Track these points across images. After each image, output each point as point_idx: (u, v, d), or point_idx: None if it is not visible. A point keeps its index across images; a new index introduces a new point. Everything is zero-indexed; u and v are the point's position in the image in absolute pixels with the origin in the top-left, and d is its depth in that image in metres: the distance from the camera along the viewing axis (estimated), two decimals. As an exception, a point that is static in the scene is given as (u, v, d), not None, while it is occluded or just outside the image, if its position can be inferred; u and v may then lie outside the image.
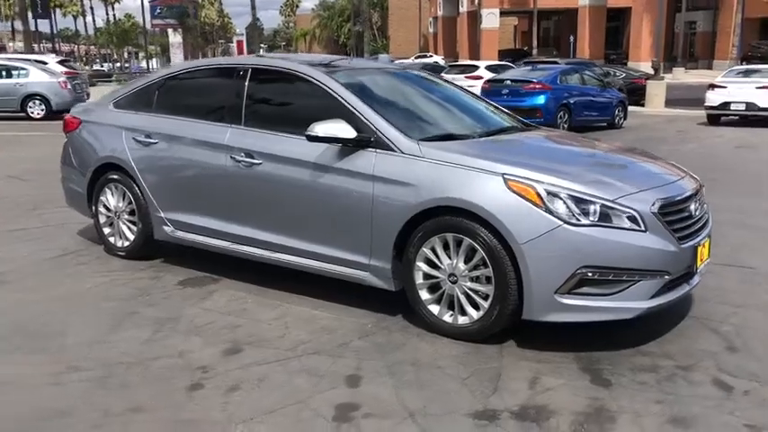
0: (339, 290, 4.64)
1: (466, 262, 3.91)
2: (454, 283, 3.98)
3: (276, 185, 4.62)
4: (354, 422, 3.11)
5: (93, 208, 5.81)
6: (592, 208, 3.68)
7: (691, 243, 3.93)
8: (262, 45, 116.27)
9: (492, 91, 15.50)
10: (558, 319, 3.74)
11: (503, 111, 5.51)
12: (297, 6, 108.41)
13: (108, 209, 5.71)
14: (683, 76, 38.35)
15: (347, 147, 4.30)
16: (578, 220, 3.65)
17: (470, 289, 3.93)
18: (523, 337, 3.98)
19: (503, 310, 3.81)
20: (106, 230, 5.78)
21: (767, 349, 3.89)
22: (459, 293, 3.97)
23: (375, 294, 4.42)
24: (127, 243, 5.65)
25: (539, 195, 3.70)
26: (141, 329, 4.19)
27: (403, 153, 4.14)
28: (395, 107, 4.74)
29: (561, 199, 3.69)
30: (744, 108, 17.15)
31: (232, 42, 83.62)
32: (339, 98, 4.48)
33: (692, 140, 14.56)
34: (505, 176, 3.80)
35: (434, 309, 4.08)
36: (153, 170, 5.32)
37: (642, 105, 22.31)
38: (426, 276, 4.09)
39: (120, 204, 5.62)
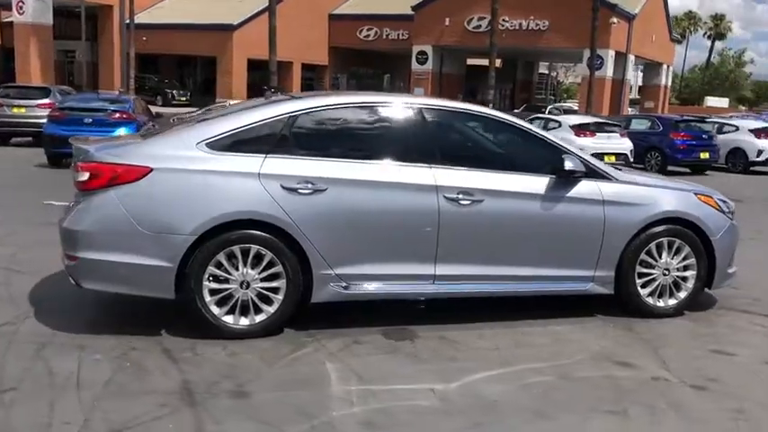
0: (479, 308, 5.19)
1: (672, 257, 5.28)
2: (666, 275, 5.28)
3: (503, 219, 4.89)
4: None
5: (192, 283, 4.35)
6: (730, 207, 5.61)
7: None
8: None
9: (69, 119, 14.01)
10: (726, 285, 5.57)
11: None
12: None
13: (224, 281, 4.42)
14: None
15: (570, 179, 5.01)
16: (730, 216, 5.53)
17: (678, 277, 5.31)
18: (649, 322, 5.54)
19: (699, 287, 5.37)
20: (215, 309, 4.43)
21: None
22: (669, 283, 5.31)
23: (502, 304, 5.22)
24: (263, 317, 4.52)
25: (717, 203, 5.44)
26: (512, 381, 4.11)
27: (619, 181, 5.18)
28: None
29: (722, 204, 5.50)
30: None
31: None
32: (550, 142, 5.17)
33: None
34: (695, 192, 5.38)
35: (650, 300, 5.29)
36: (322, 222, 4.53)
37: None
38: (640, 275, 5.24)
39: (252, 271, 4.45)
